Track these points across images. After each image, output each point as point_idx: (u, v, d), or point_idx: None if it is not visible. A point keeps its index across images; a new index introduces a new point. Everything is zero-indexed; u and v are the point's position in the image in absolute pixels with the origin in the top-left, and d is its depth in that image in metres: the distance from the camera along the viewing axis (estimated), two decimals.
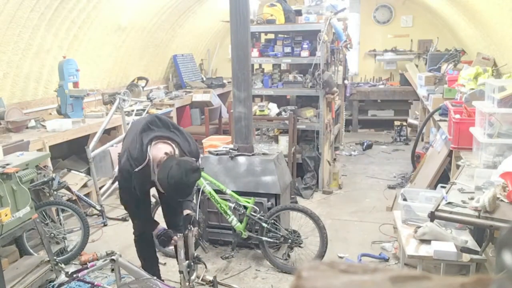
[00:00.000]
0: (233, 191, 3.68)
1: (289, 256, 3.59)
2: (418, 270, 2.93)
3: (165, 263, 3.74)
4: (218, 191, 3.66)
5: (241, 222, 3.64)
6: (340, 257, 3.78)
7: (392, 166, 6.45)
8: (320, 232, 3.46)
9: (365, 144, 7.53)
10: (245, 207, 3.58)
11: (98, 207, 4.51)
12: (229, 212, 3.61)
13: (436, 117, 5.08)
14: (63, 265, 3.39)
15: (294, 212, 3.78)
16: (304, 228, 3.73)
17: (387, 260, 3.70)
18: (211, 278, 3.34)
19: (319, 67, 5.07)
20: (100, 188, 4.79)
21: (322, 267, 0.52)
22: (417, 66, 8.77)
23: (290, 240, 3.55)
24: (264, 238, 3.56)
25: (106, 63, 6.36)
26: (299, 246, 3.59)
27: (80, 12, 5.22)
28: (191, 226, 2.88)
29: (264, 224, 3.53)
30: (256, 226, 3.61)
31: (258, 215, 3.56)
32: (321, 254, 3.46)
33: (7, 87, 4.80)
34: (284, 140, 5.24)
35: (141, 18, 6.46)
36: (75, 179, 4.84)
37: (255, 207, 3.59)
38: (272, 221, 3.59)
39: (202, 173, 3.67)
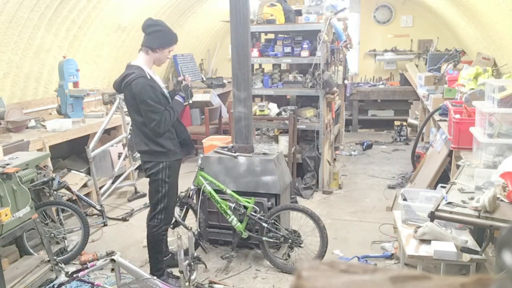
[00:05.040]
0: (233, 191, 3.68)
1: (289, 256, 3.59)
2: (418, 270, 2.94)
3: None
4: (218, 191, 3.66)
5: (241, 222, 3.64)
6: (340, 257, 3.78)
7: (392, 166, 6.45)
8: (320, 232, 3.46)
9: (365, 144, 7.53)
10: (245, 207, 3.58)
11: (98, 207, 4.51)
12: (229, 212, 3.61)
13: (436, 117, 5.08)
14: (63, 265, 3.39)
15: (294, 212, 3.78)
16: (304, 228, 3.73)
17: (390, 256, 3.70)
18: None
19: (319, 67, 5.07)
20: (100, 188, 4.79)
21: (322, 267, 0.52)
22: (417, 66, 8.77)
23: (290, 240, 3.55)
24: (264, 238, 3.56)
25: (106, 63, 6.36)
26: (299, 246, 3.59)
27: (80, 12, 5.22)
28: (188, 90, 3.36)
29: (264, 224, 3.53)
30: (256, 226, 3.62)
31: (258, 215, 3.56)
32: (321, 254, 3.46)
33: (7, 87, 4.80)
34: (284, 140, 5.24)
35: (141, 18, 6.42)
36: (75, 179, 4.84)
37: (255, 207, 3.59)
38: (272, 221, 3.59)
39: (202, 173, 3.68)
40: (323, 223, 3.49)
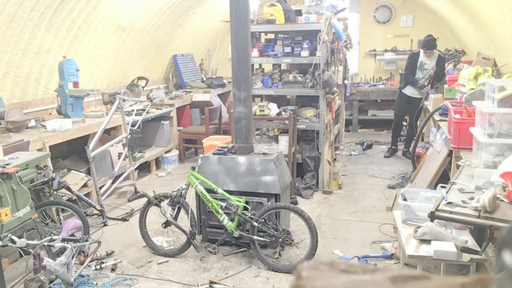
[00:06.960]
0: (233, 191, 3.68)
1: (280, 255, 3.60)
2: (418, 270, 2.93)
3: (167, 261, 3.76)
4: (210, 191, 3.66)
5: (232, 221, 3.64)
6: (340, 257, 3.77)
7: (392, 166, 6.45)
8: (310, 231, 3.47)
9: (365, 144, 7.53)
10: (237, 206, 3.59)
11: (98, 207, 4.52)
12: (220, 211, 3.62)
13: (436, 117, 5.09)
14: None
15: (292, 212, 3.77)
16: (303, 228, 3.72)
17: (390, 256, 3.70)
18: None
19: (319, 67, 5.07)
20: (100, 188, 4.79)
21: (322, 267, 0.52)
22: None
23: (280, 239, 3.56)
24: (255, 237, 3.56)
25: (106, 63, 6.36)
26: (290, 245, 3.60)
27: (80, 12, 5.22)
28: None
29: (255, 223, 3.53)
30: (248, 225, 3.62)
31: (249, 214, 3.56)
32: (312, 253, 3.46)
33: (7, 87, 4.80)
34: (284, 140, 5.24)
35: (141, 18, 6.46)
36: (75, 179, 4.84)
37: (246, 205, 3.60)
38: (263, 220, 3.57)
39: (194, 173, 3.70)
40: (313, 223, 3.49)
